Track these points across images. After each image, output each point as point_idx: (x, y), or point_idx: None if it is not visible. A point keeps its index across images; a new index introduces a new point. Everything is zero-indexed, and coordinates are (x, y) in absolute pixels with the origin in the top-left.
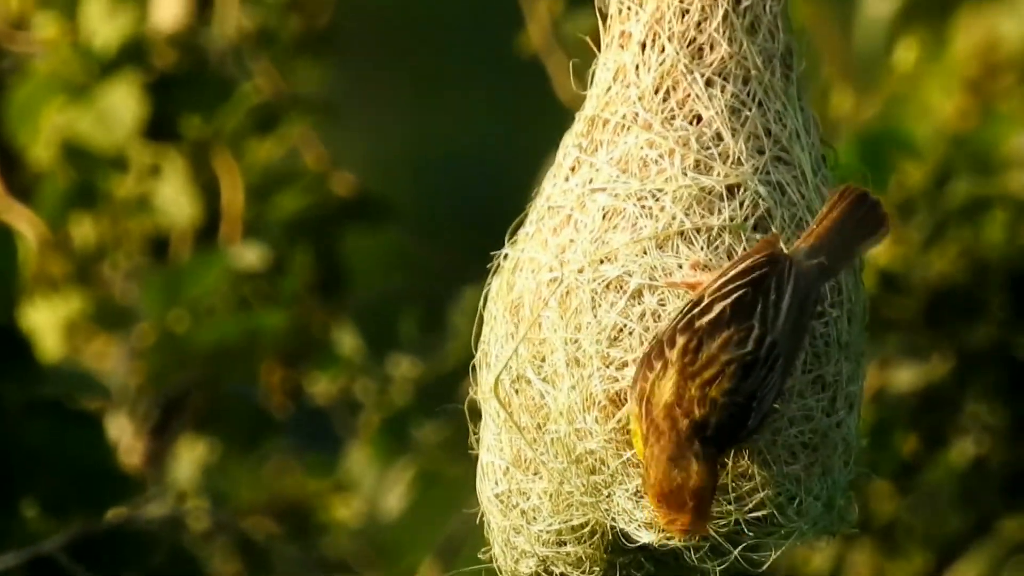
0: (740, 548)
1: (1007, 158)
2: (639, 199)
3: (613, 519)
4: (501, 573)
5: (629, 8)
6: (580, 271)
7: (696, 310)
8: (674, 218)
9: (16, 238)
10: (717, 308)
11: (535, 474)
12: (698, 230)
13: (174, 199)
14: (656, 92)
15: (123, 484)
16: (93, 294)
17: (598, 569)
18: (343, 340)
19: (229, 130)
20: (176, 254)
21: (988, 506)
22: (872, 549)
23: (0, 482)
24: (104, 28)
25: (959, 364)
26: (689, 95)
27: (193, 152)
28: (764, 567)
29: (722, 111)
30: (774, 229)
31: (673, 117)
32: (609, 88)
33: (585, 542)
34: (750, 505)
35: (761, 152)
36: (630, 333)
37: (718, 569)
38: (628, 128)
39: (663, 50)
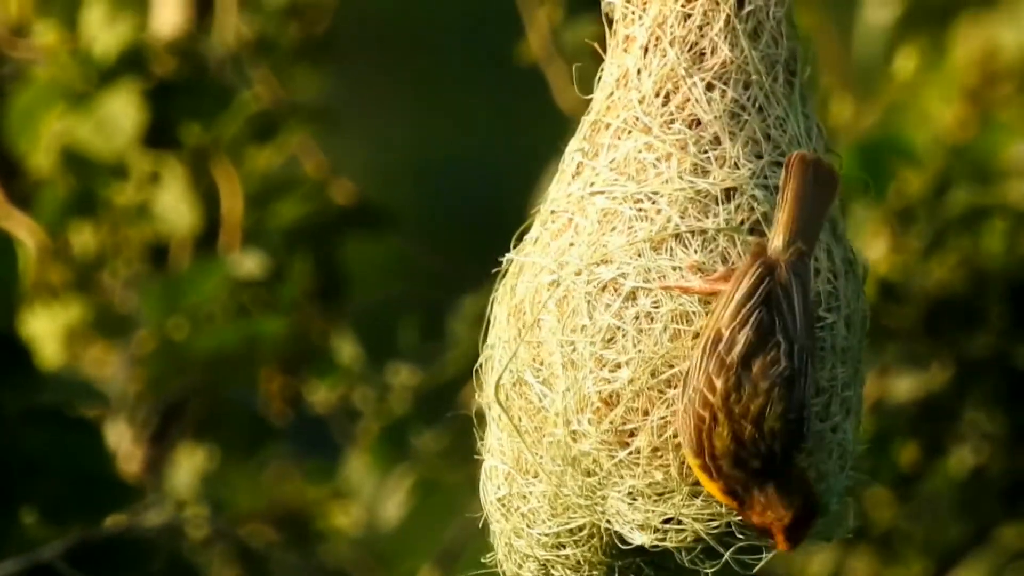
0: (732, 550)
1: (1006, 167)
2: (635, 202)
3: (608, 521)
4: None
5: (633, 12)
6: (577, 273)
7: (722, 346)
8: (669, 221)
9: (16, 246)
10: (741, 338)
11: (535, 477)
12: (693, 233)
13: (174, 207)
14: (656, 96)
15: (122, 491)
16: (92, 302)
17: (597, 572)
18: (342, 348)
19: (228, 138)
20: (175, 262)
21: (987, 514)
22: (871, 556)
23: None
24: (104, 35)
25: (958, 373)
26: (689, 99)
27: (193, 160)
28: (755, 570)
29: (721, 115)
30: (768, 233)
31: (672, 120)
32: (612, 92)
33: (583, 545)
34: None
35: (759, 156)
36: (624, 335)
37: (710, 572)
38: (629, 132)
39: (664, 54)
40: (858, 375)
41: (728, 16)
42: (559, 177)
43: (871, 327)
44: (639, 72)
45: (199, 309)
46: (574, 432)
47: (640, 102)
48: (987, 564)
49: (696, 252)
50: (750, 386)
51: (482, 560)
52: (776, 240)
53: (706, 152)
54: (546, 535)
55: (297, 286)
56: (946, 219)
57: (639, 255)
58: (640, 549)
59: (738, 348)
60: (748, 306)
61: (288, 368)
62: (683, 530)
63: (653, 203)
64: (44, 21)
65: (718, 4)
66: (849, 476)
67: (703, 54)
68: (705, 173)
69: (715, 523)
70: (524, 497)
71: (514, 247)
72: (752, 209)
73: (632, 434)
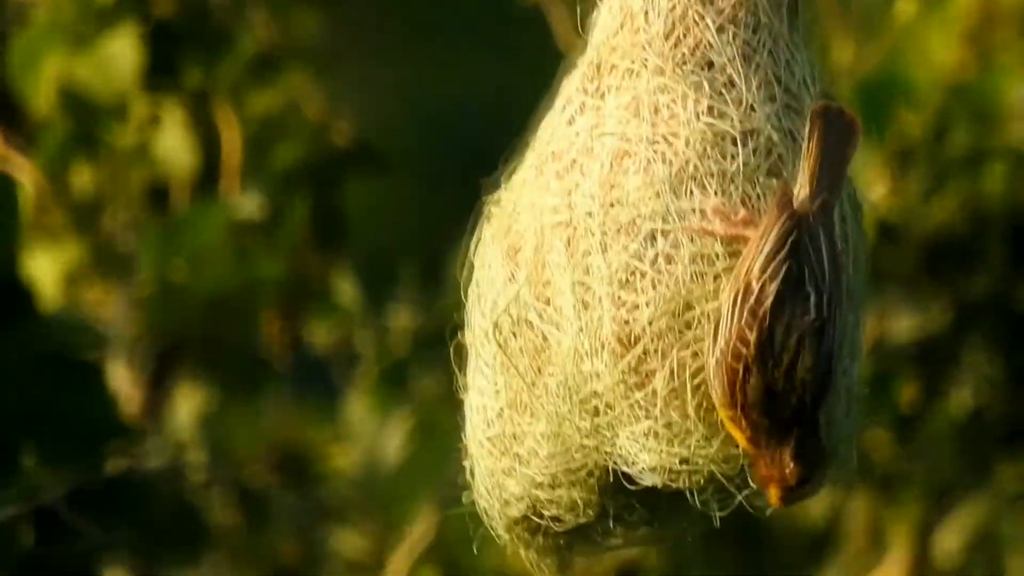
0: (745, 493)
1: (1007, 110)
2: (651, 143)
3: (614, 462)
4: (485, 516)
5: None
6: (589, 214)
7: (752, 299)
8: (688, 162)
9: (16, 189)
10: (772, 290)
11: (532, 416)
12: (711, 175)
13: (173, 149)
14: (666, 38)
15: (122, 434)
16: (92, 244)
17: (591, 512)
18: (342, 290)
19: (228, 80)
20: (175, 204)
21: (986, 455)
22: (870, 497)
23: (0, 433)
24: None
25: (958, 315)
26: (701, 41)
27: (192, 102)
28: (767, 513)
29: (734, 58)
30: (786, 175)
31: (684, 63)
32: (616, 34)
33: (580, 485)
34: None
35: (773, 99)
36: (642, 276)
37: (719, 513)
38: (638, 73)
39: None
40: (861, 318)
41: None
42: (555, 117)
43: (871, 269)
44: (646, 14)
45: (198, 252)
46: (585, 373)
47: (649, 44)
48: (986, 505)
49: (716, 194)
50: (781, 338)
51: (463, 499)
52: (803, 191)
53: (721, 94)
54: (541, 475)
55: (296, 229)
56: (946, 161)
57: (657, 196)
58: (635, 490)
59: (769, 300)
60: (778, 258)
61: (287, 311)
62: (696, 471)
63: (670, 144)
64: None
65: None
66: (854, 419)
67: None
68: (722, 115)
69: (730, 465)
70: (517, 437)
71: (504, 186)
72: (770, 152)
73: (648, 376)
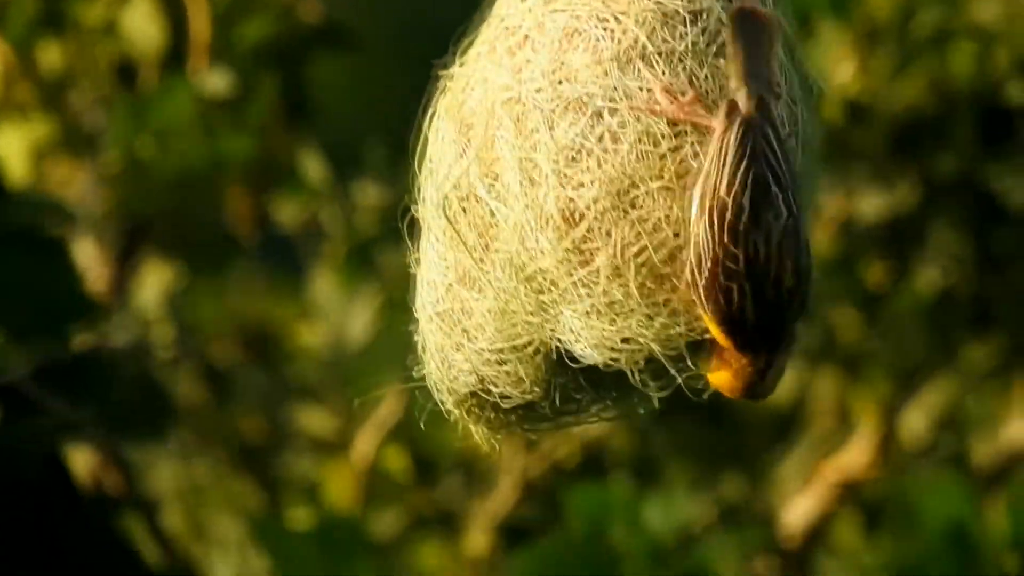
0: (685, 375)
1: None
2: (601, 20)
3: (559, 339)
4: (435, 391)
5: None
6: (538, 90)
7: (729, 215)
8: (636, 41)
9: None
10: (746, 202)
11: (479, 292)
12: (660, 53)
13: (141, 26)
14: None
15: (89, 311)
16: (60, 120)
17: (537, 389)
18: (309, 168)
19: None
20: (143, 81)
21: (953, 335)
22: (837, 377)
23: None
24: None
25: (926, 195)
26: None
27: None
28: (704, 396)
29: None
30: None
31: None
32: None
33: (526, 361)
34: (697, 331)
35: None
36: (588, 154)
37: (659, 394)
38: None
39: None
40: (810, 200)
41: None
42: None
43: (838, 149)
44: None
45: (166, 129)
46: (530, 250)
47: None
48: (952, 385)
49: (664, 73)
50: (764, 248)
51: (413, 373)
52: (739, 93)
53: None
54: (488, 350)
55: (264, 106)
56: (914, 41)
57: (605, 74)
58: (582, 367)
59: (747, 213)
60: (742, 168)
61: (255, 188)
62: (638, 350)
63: (619, 22)
64: None
65: None
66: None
67: None
68: None
69: (671, 344)
70: (466, 312)
71: (459, 60)
72: (719, 32)
73: (592, 253)
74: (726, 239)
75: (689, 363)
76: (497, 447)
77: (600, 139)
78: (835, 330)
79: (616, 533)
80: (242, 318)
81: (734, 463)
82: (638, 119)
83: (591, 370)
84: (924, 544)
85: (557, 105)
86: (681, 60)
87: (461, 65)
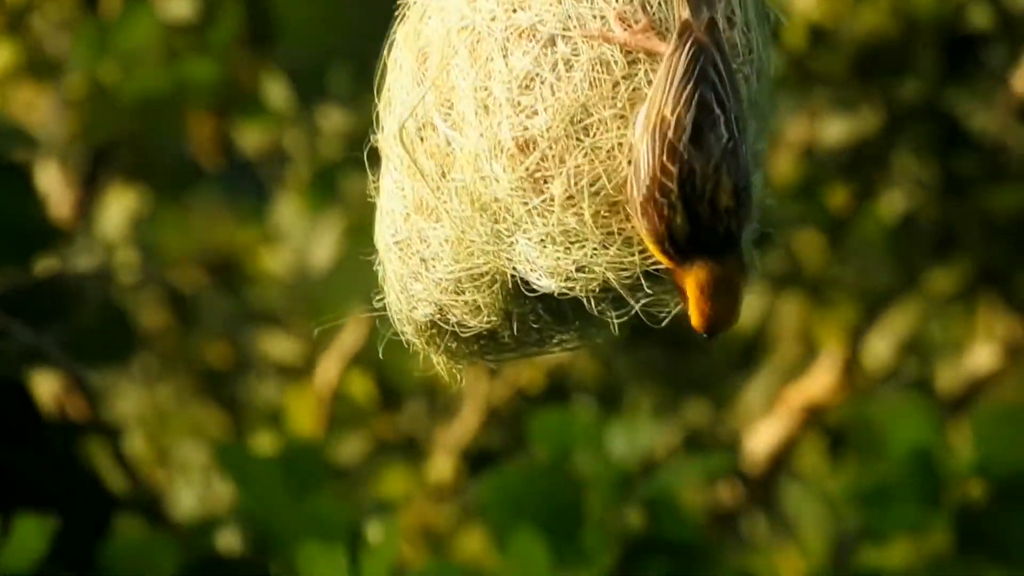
0: (642, 304)
1: None
2: None
3: (514, 267)
4: (394, 319)
5: None
6: (492, 19)
7: (671, 133)
8: None
9: None
10: (688, 122)
11: (436, 221)
12: None
13: None
14: None
15: (52, 236)
16: (23, 45)
17: (495, 318)
18: (273, 92)
19: None
20: (107, 6)
21: (917, 260)
22: (801, 302)
23: None
24: None
25: (889, 119)
26: None
27: None
28: (663, 323)
29: None
30: None
31: None
32: None
33: (484, 290)
34: (651, 259)
35: None
36: (541, 81)
37: (617, 320)
38: None
39: None
40: (765, 126)
41: None
42: None
43: (800, 73)
44: None
45: (130, 53)
46: (485, 178)
47: None
48: (916, 309)
49: (617, 1)
50: (701, 167)
51: (373, 302)
52: (683, 11)
53: None
54: (446, 279)
55: (228, 30)
56: None
57: (559, 2)
58: (540, 296)
59: (687, 132)
60: (688, 88)
61: (219, 113)
62: (593, 278)
63: None
64: None
65: None
66: (757, 228)
67: None
68: None
69: (626, 272)
70: (424, 241)
71: None
72: None
73: (547, 181)
74: (664, 156)
75: (647, 290)
76: (459, 377)
77: (553, 67)
78: (799, 255)
79: (580, 459)
80: (206, 243)
81: (698, 389)
82: (591, 46)
83: (550, 299)
84: (888, 469)
85: (511, 33)
86: None
87: None
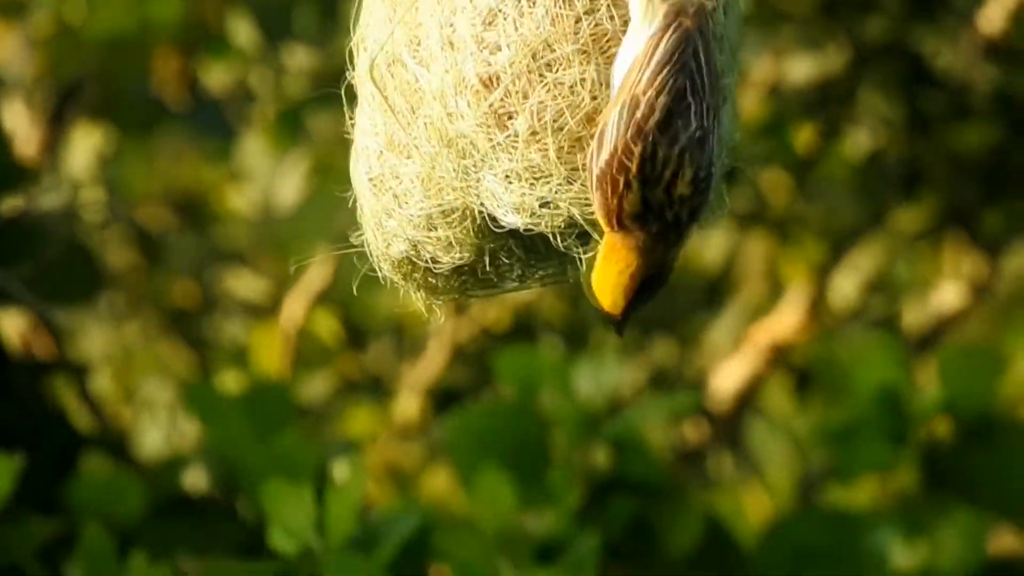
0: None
1: None
2: None
3: (482, 203)
4: (372, 256)
5: None
6: None
7: (639, 113)
8: None
9: None
10: (659, 106)
11: (408, 157)
12: None
13: None
14: None
15: (18, 175)
16: None
17: (468, 254)
18: (239, 30)
19: None
20: None
21: (882, 198)
22: (767, 238)
23: None
24: None
25: (855, 56)
26: None
27: None
28: None
29: None
30: None
31: None
32: None
33: (456, 226)
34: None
35: None
36: (504, 17)
37: (583, 256)
38: None
39: None
40: (735, 62)
41: None
42: None
43: (765, 11)
44: None
45: None
46: (451, 114)
47: None
48: (883, 247)
49: None
50: (664, 153)
51: (350, 239)
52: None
53: None
54: (418, 216)
55: None
56: None
57: None
58: (512, 232)
59: (656, 116)
60: (666, 71)
61: (184, 51)
62: (558, 214)
63: None
64: None
65: None
66: (724, 163)
67: None
68: None
69: (590, 208)
70: (396, 177)
71: None
72: None
73: (511, 117)
74: (629, 135)
75: None
76: (438, 313)
77: (516, 3)
78: (765, 194)
79: (546, 398)
80: (171, 182)
81: (664, 328)
82: None
83: (521, 235)
84: (855, 407)
85: None
86: None
87: None
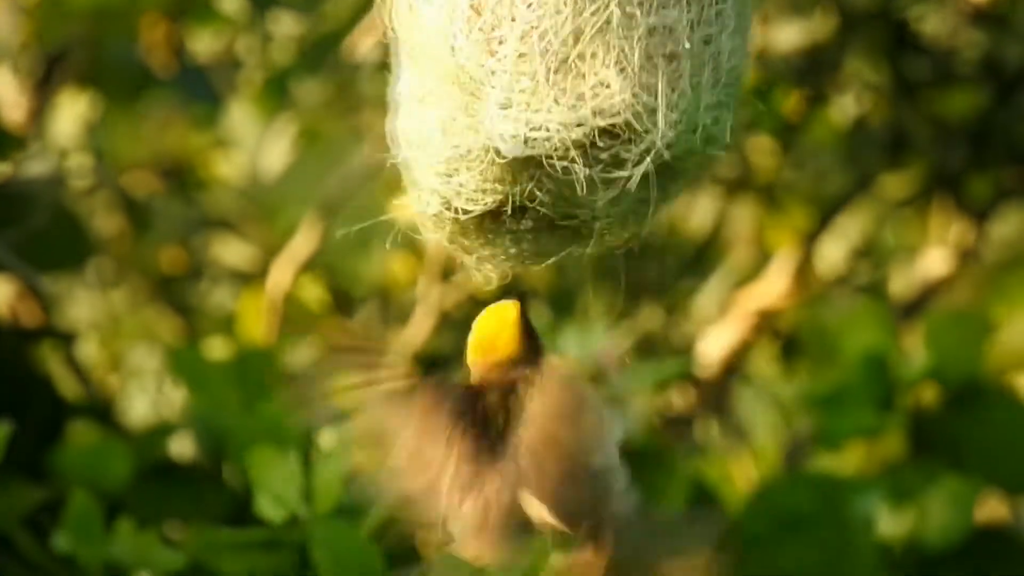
0: (598, 168)
1: None
2: None
3: (488, 137)
4: (420, 225)
5: None
6: None
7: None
8: None
9: None
10: None
11: (429, 105)
12: None
13: None
14: None
15: (5, 142)
16: None
17: (491, 199)
18: None
19: None
20: None
21: (869, 164)
22: (753, 205)
23: None
24: None
25: (841, 22)
26: None
27: None
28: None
29: None
30: None
31: None
32: None
33: (475, 170)
34: (607, 114)
35: None
36: None
37: (604, 204)
38: None
39: None
40: (744, 43)
41: None
42: None
43: None
44: None
45: None
46: (452, 48)
47: None
48: (869, 213)
49: None
50: None
51: (394, 203)
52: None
53: None
54: (440, 163)
55: None
56: None
57: None
58: (536, 174)
59: None
60: None
61: (171, 17)
62: (548, 137)
63: None
64: None
65: None
66: (727, 93)
67: None
68: None
69: (581, 128)
70: (422, 126)
71: None
72: None
73: (501, 42)
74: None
75: (601, 147)
76: (494, 277)
77: None
78: (751, 160)
79: None
80: (158, 148)
81: (650, 293)
82: None
83: (543, 180)
84: (841, 373)
85: None
86: None
87: None
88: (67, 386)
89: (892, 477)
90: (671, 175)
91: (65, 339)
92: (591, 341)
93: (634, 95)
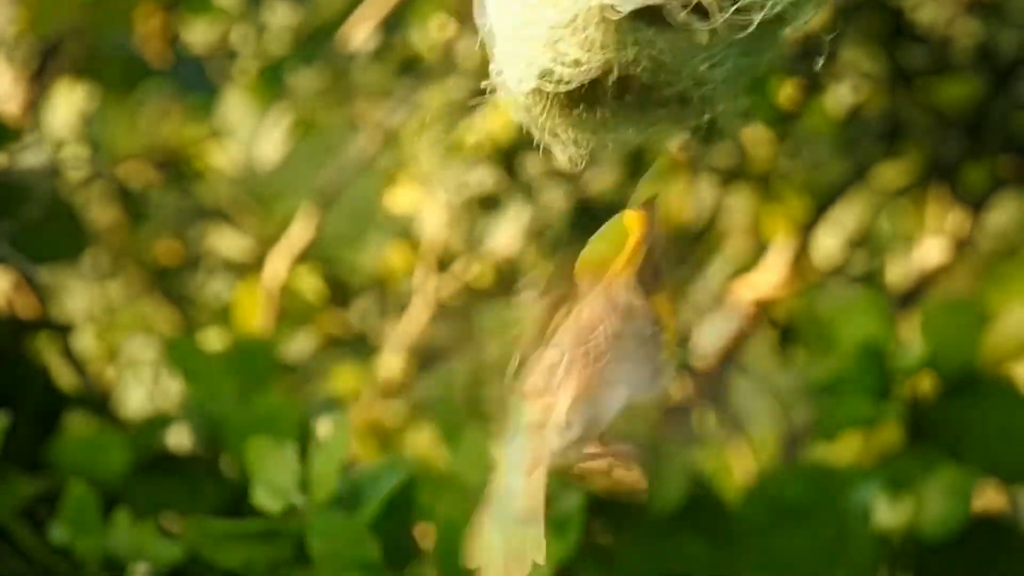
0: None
1: None
2: None
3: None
4: (513, 110)
5: None
6: None
7: None
8: None
9: None
10: None
11: None
12: None
13: None
14: None
15: (2, 134)
16: None
17: (596, 65)
18: None
19: None
20: None
21: (866, 153)
22: (750, 194)
23: None
24: None
25: (837, 11)
26: None
27: None
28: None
29: None
30: None
31: None
32: None
33: (579, 35)
34: None
35: None
36: None
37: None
38: None
39: None
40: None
41: None
42: None
43: None
44: None
45: None
46: None
47: None
48: (865, 203)
49: None
50: None
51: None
52: None
53: None
54: (543, 30)
55: None
56: None
57: None
58: (644, 36)
59: None
60: None
61: (166, 7)
62: None
63: None
64: None
65: None
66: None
67: None
68: None
69: None
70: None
71: None
72: None
73: None
74: None
75: None
76: (579, 164)
77: None
78: (747, 150)
79: None
80: (154, 139)
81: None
82: None
83: (649, 44)
84: (838, 363)
85: None
86: None
87: None
88: (63, 377)
89: (889, 467)
90: (771, 35)
91: (61, 330)
92: None
93: None
